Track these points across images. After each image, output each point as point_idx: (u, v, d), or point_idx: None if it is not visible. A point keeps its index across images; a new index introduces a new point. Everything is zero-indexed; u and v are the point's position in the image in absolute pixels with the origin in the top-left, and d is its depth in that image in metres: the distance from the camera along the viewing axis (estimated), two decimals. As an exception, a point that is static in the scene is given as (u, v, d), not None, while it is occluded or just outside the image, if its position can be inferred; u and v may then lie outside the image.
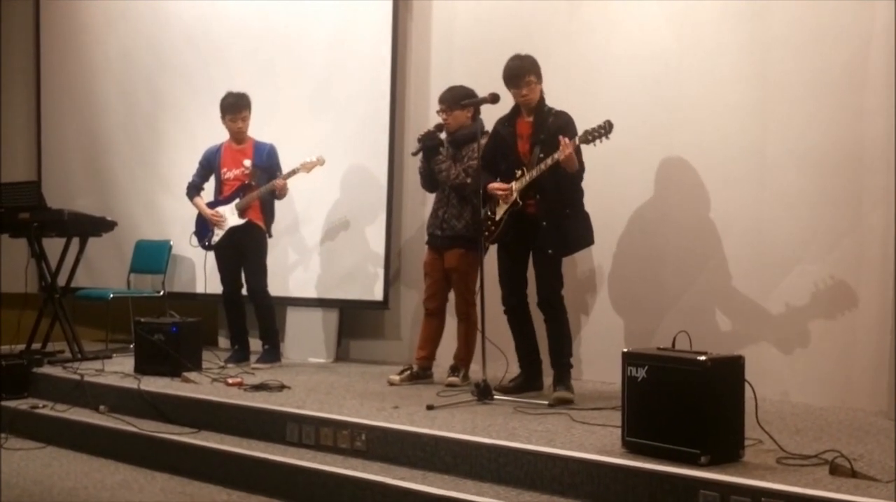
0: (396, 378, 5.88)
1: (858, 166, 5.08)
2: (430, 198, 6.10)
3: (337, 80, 7.16)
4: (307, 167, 6.50)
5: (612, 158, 5.52)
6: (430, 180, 5.89)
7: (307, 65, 7.32)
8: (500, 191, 5.21)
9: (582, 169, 5.12)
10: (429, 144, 5.75)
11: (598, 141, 4.88)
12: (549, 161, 4.99)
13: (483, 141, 5.64)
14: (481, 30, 6.57)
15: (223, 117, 6.62)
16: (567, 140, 4.90)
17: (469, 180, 5.62)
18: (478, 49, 6.45)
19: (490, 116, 5.37)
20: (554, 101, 5.29)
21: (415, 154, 5.94)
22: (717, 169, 5.55)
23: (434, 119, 6.03)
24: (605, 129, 4.86)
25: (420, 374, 5.89)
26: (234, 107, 6.57)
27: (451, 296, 5.93)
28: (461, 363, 5.80)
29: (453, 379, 5.69)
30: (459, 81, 6.05)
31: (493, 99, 5.25)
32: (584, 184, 5.24)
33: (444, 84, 5.95)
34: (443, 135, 5.79)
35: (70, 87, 8.90)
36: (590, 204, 5.28)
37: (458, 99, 5.72)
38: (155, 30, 8.24)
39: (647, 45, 5.82)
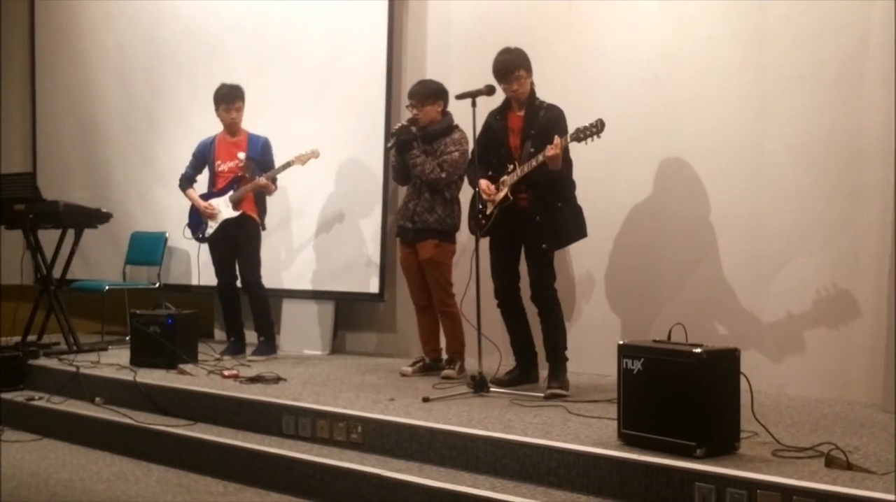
0: (409, 369, 5.89)
1: (856, 160, 5.08)
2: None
3: (333, 74, 7.15)
4: (302, 159, 6.49)
5: (609, 152, 5.52)
6: (402, 174, 5.90)
7: (304, 59, 7.30)
8: (487, 193, 5.20)
9: (569, 164, 5.11)
10: (402, 138, 5.76)
11: (589, 139, 4.86)
12: (539, 157, 4.97)
13: (456, 136, 5.66)
14: (478, 26, 6.55)
15: (217, 108, 6.61)
16: (558, 139, 4.88)
17: (444, 175, 5.63)
18: (474, 45, 6.43)
19: (483, 109, 5.35)
20: (552, 97, 5.28)
21: (390, 148, 5.95)
22: (715, 163, 5.55)
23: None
24: (596, 128, 4.81)
25: (432, 366, 5.91)
26: (228, 97, 6.56)
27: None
28: (455, 355, 5.80)
29: (449, 371, 5.70)
30: (455, 78, 6.06)
31: (489, 91, 5.23)
32: (582, 178, 5.24)
33: (439, 79, 5.94)
34: (414, 130, 5.79)
35: (66, 79, 8.88)
36: (587, 197, 5.28)
37: (429, 93, 5.75)
38: (152, 22, 8.22)
39: (645, 41, 5.82)
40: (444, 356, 5.92)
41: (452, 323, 5.81)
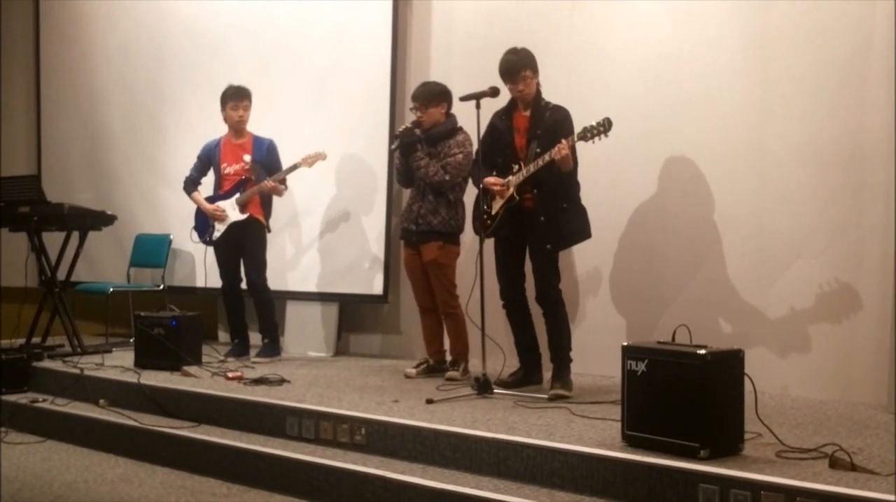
0: (413, 371, 5.89)
1: (859, 161, 5.08)
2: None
3: (336, 75, 7.16)
4: (309, 161, 6.49)
5: (612, 153, 5.51)
6: (406, 176, 5.89)
7: (307, 60, 7.31)
8: (496, 186, 5.21)
9: (575, 164, 5.11)
10: (406, 141, 5.75)
11: (596, 138, 4.86)
12: (546, 157, 4.97)
13: (460, 138, 5.66)
14: (482, 25, 6.55)
15: (224, 106, 6.59)
16: (564, 141, 4.88)
17: (447, 177, 5.64)
18: (478, 45, 6.43)
19: (487, 110, 5.36)
20: (555, 97, 5.28)
21: (393, 150, 5.93)
22: (718, 164, 5.55)
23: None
24: (604, 127, 4.81)
25: (436, 368, 5.92)
26: (236, 94, 6.56)
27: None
28: (459, 357, 5.81)
29: (453, 373, 5.70)
30: (459, 78, 6.06)
31: (493, 93, 5.23)
32: (585, 179, 5.24)
33: (443, 80, 5.95)
34: (418, 132, 5.78)
35: (70, 81, 8.90)
36: (590, 198, 5.28)
37: (432, 95, 5.75)
38: (155, 24, 8.24)
39: (647, 41, 5.82)
40: (448, 358, 5.92)
41: (457, 324, 5.81)
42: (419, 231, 5.78)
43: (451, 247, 5.79)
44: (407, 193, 6.15)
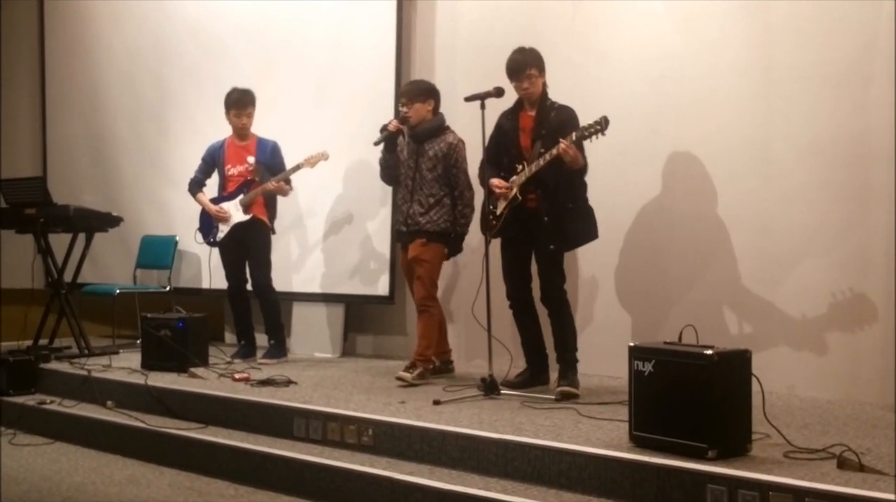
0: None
1: (864, 161, 5.07)
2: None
3: (340, 76, 7.16)
4: (311, 162, 6.49)
5: (616, 153, 5.51)
6: (389, 173, 5.90)
7: (310, 61, 7.31)
8: (499, 188, 5.20)
9: (585, 164, 5.11)
10: (385, 137, 5.76)
11: (594, 137, 4.84)
12: (547, 156, 4.97)
13: (450, 139, 5.67)
14: (485, 27, 6.54)
15: (227, 112, 6.61)
16: (564, 141, 4.87)
17: (450, 227, 5.70)
18: (482, 46, 6.43)
19: (493, 111, 5.36)
20: (558, 97, 5.27)
21: (377, 144, 5.89)
22: (722, 163, 5.54)
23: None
24: (601, 126, 4.80)
25: (442, 368, 5.91)
26: (240, 102, 6.57)
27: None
28: (418, 359, 5.65)
29: (404, 373, 5.57)
30: (462, 79, 6.06)
31: (498, 93, 5.22)
32: (590, 179, 5.23)
33: (447, 81, 5.96)
34: (405, 129, 5.78)
35: (75, 83, 8.92)
36: (595, 198, 5.27)
37: (419, 91, 5.76)
38: (160, 25, 8.25)
39: (650, 41, 5.81)
40: (454, 357, 5.90)
41: (426, 323, 5.72)
42: (408, 231, 5.78)
43: (434, 245, 5.74)
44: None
